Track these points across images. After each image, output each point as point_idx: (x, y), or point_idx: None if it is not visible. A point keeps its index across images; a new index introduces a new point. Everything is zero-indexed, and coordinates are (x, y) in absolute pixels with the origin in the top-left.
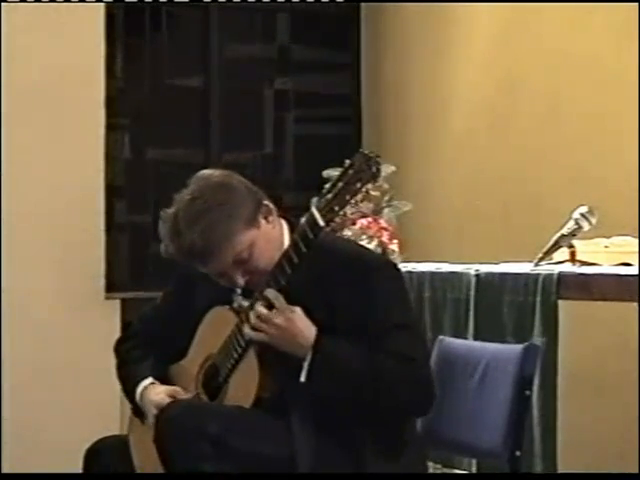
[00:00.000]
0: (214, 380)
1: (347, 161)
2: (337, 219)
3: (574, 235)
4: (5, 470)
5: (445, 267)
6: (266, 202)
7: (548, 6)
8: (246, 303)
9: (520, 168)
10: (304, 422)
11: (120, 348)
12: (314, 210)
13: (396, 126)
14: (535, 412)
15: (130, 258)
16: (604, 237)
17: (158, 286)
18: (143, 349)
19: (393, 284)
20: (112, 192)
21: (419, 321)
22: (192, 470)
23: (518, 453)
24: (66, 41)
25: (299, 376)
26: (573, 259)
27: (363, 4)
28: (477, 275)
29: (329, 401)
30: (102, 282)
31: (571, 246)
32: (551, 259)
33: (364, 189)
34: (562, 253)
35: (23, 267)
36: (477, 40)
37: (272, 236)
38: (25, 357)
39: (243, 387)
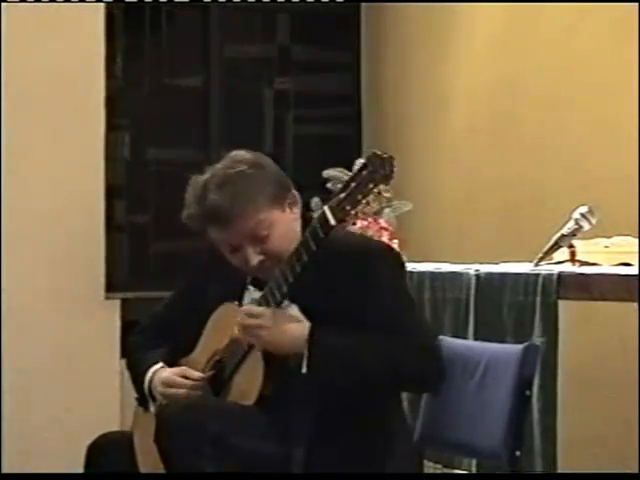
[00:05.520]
0: (219, 376)
1: (360, 161)
2: (348, 218)
3: (574, 235)
4: (5, 470)
5: (445, 267)
6: (294, 192)
7: (548, 6)
8: (258, 295)
9: (520, 168)
10: (304, 421)
11: (131, 340)
12: (326, 208)
13: (396, 126)
14: (535, 412)
15: (130, 258)
16: (604, 237)
17: (158, 286)
18: (153, 341)
19: (394, 269)
20: (112, 192)
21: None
22: (192, 469)
23: (518, 453)
24: (66, 41)
25: (302, 374)
26: (573, 259)
27: (363, 4)
28: (477, 275)
29: (336, 389)
30: (102, 282)
31: (571, 246)
32: (551, 259)
33: (376, 190)
34: (562, 253)
35: (23, 267)
36: (477, 40)
37: (292, 226)
38: (25, 357)
39: (246, 384)
